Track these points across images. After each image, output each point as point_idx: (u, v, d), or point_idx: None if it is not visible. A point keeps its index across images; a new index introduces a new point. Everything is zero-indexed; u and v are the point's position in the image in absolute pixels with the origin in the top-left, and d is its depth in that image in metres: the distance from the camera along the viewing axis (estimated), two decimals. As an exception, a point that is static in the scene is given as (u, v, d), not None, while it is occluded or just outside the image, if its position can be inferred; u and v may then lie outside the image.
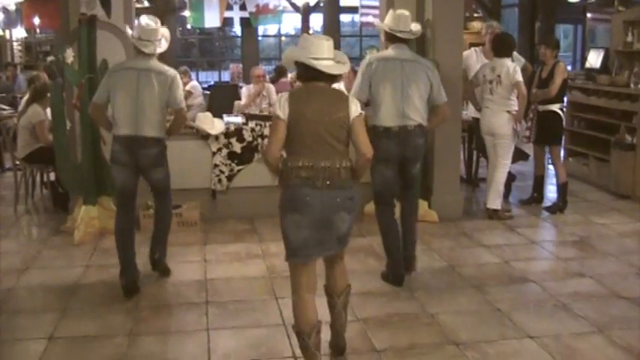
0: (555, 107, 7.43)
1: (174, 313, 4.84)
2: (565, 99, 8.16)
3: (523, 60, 7.77)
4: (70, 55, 6.40)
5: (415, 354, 4.17)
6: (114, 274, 5.50)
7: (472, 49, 8.16)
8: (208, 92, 10.28)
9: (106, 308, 4.92)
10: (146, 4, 17.37)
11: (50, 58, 15.07)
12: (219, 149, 7.09)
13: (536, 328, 4.51)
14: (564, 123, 7.85)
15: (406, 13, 5.41)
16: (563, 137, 8.36)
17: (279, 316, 4.72)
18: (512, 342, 4.34)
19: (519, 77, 6.91)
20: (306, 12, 17.32)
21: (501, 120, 7.01)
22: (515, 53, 7.39)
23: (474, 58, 7.86)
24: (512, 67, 6.95)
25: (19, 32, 19.13)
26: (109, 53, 6.41)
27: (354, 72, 9.03)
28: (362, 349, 4.23)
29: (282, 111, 3.70)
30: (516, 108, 6.97)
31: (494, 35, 7.43)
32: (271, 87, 9.18)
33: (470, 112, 8.13)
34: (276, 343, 4.36)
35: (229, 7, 18.24)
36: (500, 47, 7.08)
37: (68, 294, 5.17)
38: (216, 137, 7.08)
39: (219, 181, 7.12)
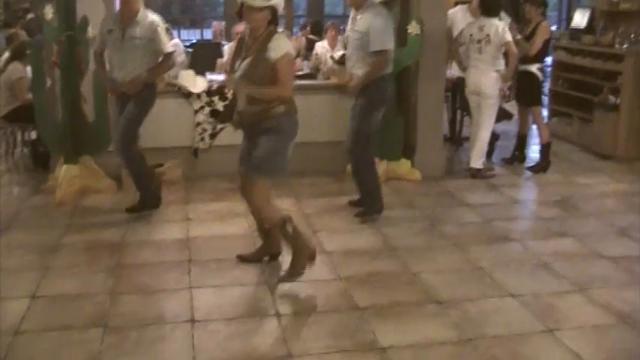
0: (533, 68, 7.40)
1: (156, 271, 4.84)
2: (547, 59, 8.14)
3: (509, 19, 7.72)
4: (49, 11, 6.30)
5: (397, 312, 4.20)
6: (95, 233, 5.51)
7: (458, 6, 8.10)
8: (190, 50, 10.15)
9: (88, 267, 4.91)
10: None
11: (29, 16, 14.86)
12: (202, 107, 7.03)
13: (516, 287, 4.55)
14: (544, 84, 7.84)
15: None
16: (547, 97, 8.36)
17: (260, 275, 4.73)
18: (494, 300, 4.37)
19: (509, 37, 6.87)
20: (289, -31, 17.11)
21: (489, 79, 7.00)
22: (501, 12, 7.34)
23: (460, 16, 7.80)
24: (502, 26, 6.91)
25: (-4, -12, 18.77)
26: (89, 10, 6.31)
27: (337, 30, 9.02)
28: (343, 307, 4.25)
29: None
30: (504, 67, 6.95)
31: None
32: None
33: (454, 70, 8.09)
34: (258, 301, 4.38)
35: (212, -36, 17.97)
36: (490, 6, 7.02)
37: (49, 253, 5.15)
38: (199, 95, 7.02)
39: (202, 139, 7.08)
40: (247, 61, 4.32)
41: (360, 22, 5.68)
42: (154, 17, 5.68)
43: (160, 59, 5.75)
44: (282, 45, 4.33)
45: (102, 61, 5.86)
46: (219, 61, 9.08)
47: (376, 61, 5.66)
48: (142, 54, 5.62)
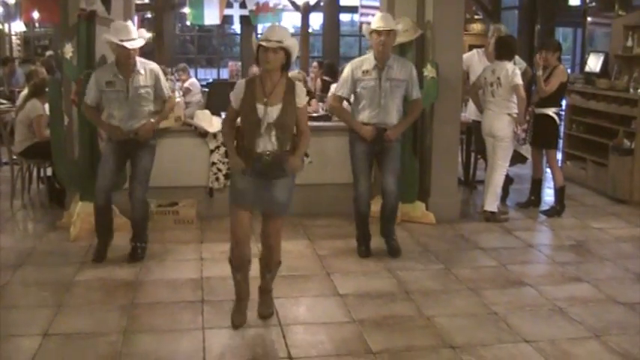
0: (551, 111, 7.42)
1: (170, 311, 4.82)
2: (563, 103, 8.15)
3: (524, 64, 7.76)
4: (69, 50, 6.39)
5: (411, 357, 4.16)
6: (109, 271, 5.51)
7: (474, 50, 8.17)
8: (207, 90, 10.24)
9: (101, 305, 4.90)
10: (146, 0, 17.33)
11: (49, 53, 15.07)
12: (217, 147, 7.06)
13: (532, 333, 4.50)
14: (561, 127, 7.84)
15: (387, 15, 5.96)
16: (561, 141, 8.35)
17: (274, 316, 4.70)
18: (508, 346, 4.32)
19: (519, 80, 6.90)
20: (305, 11, 17.28)
21: (502, 122, 7.01)
22: (516, 57, 7.38)
23: (476, 60, 7.86)
24: (512, 69, 6.94)
25: (17, 26, 19.07)
26: (107, 49, 6.37)
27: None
28: (358, 351, 4.21)
29: None
30: (517, 111, 6.97)
31: (497, 38, 7.42)
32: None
33: (469, 113, 8.12)
34: (271, 343, 4.35)
35: (229, 5, 18.19)
36: (502, 50, 7.08)
37: (63, 290, 5.14)
38: (214, 135, 7.06)
39: (217, 179, 7.11)
40: (277, 108, 4.37)
41: (396, 70, 5.80)
42: (151, 64, 5.77)
43: (166, 103, 5.87)
44: (304, 91, 4.53)
45: (98, 114, 5.78)
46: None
47: (417, 107, 6.02)
48: (148, 102, 5.69)
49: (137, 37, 5.58)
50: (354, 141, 5.91)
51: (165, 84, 5.84)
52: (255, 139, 4.37)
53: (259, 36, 4.37)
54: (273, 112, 4.36)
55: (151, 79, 5.68)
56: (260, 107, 4.35)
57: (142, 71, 5.63)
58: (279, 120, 4.37)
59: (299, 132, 4.56)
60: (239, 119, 4.54)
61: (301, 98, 4.47)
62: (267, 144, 4.38)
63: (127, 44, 5.45)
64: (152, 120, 5.69)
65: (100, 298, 5.05)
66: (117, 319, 4.64)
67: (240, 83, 4.50)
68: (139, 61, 5.66)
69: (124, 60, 5.54)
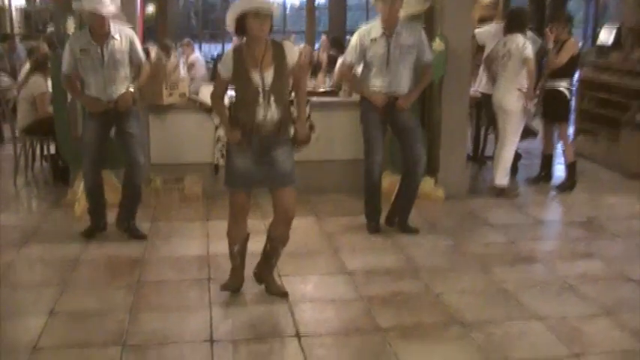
0: (562, 86, 7.38)
1: (176, 289, 4.86)
2: (575, 76, 8.11)
3: (540, 41, 7.70)
4: (71, 25, 6.36)
5: (420, 334, 4.19)
6: (115, 249, 5.54)
7: (491, 24, 8.08)
8: (211, 64, 10.24)
9: (107, 283, 4.95)
10: (149, -27, 17.23)
11: (50, 29, 15.02)
12: (223, 123, 7.06)
13: (542, 310, 4.51)
14: (572, 101, 7.81)
15: None
16: (573, 115, 8.32)
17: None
18: (519, 323, 4.34)
19: (529, 53, 6.87)
20: (311, -17, 17.18)
21: (512, 97, 6.99)
22: (531, 34, 7.34)
23: (493, 33, 7.80)
24: (522, 42, 6.91)
25: (17, 0, 18.99)
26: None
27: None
28: (366, 328, 4.24)
29: None
30: (527, 85, 6.94)
31: (508, 10, 7.38)
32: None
33: (479, 86, 8.09)
34: (279, 320, 4.38)
35: (233, -22, 18.09)
36: (513, 22, 7.05)
37: (69, 269, 5.18)
38: (220, 111, 7.05)
39: (222, 155, 7.10)
40: (270, 73, 4.32)
41: (405, 36, 5.72)
42: (125, 29, 5.67)
43: (143, 68, 5.81)
44: (294, 49, 4.50)
45: (74, 84, 5.74)
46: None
47: (428, 72, 5.93)
48: (124, 67, 5.61)
49: (110, 3, 5.47)
50: (366, 110, 5.85)
51: (139, 48, 5.76)
52: (255, 108, 4.32)
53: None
54: (268, 77, 4.31)
55: (126, 43, 5.59)
56: (255, 75, 4.29)
57: (117, 36, 5.54)
58: (275, 84, 4.32)
59: (297, 89, 4.56)
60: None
61: (292, 56, 4.40)
62: (267, 112, 4.34)
63: (100, 10, 5.35)
64: (131, 89, 5.61)
65: (106, 276, 5.09)
66: (123, 297, 4.67)
67: (228, 53, 4.42)
68: (114, 26, 5.55)
69: (98, 28, 5.45)
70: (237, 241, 4.67)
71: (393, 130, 5.93)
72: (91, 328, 4.23)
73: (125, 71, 5.61)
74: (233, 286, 4.71)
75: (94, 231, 5.88)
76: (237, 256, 4.71)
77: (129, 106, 5.61)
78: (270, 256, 4.72)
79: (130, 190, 5.83)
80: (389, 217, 6.14)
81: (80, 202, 6.36)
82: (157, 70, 6.48)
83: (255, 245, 4.75)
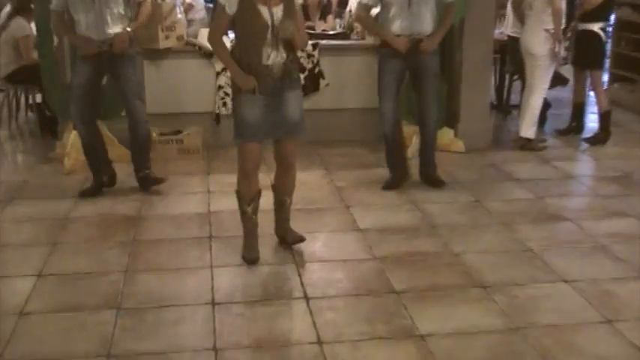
0: (596, 27, 7.29)
1: (175, 248, 4.89)
2: (611, 17, 8.01)
3: None
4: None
5: (437, 296, 4.20)
6: (108, 206, 5.57)
7: None
8: (211, 5, 10.13)
9: (100, 243, 4.97)
10: None
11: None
12: (224, 69, 7.03)
13: (570, 271, 4.51)
14: (607, 45, 7.72)
15: None
16: (607, 60, 8.23)
17: (288, 253, 4.76)
18: (545, 285, 4.35)
19: None
20: None
21: (538, 38, 6.92)
22: None
23: None
24: (550, -23, 6.82)
25: None
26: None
27: None
28: (379, 290, 4.26)
29: None
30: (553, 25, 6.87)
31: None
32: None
33: (506, 29, 8.00)
34: (285, 281, 4.41)
35: None
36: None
37: (58, 227, 5.21)
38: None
39: (224, 104, 7.09)
40: (280, 8, 4.28)
41: None
42: None
43: (141, 7, 5.77)
44: None
45: (65, 22, 5.66)
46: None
47: (450, 12, 5.85)
48: (118, 4, 5.53)
49: None
50: (385, 56, 5.81)
51: None
52: (262, 49, 4.29)
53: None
54: (278, 13, 4.28)
55: None
56: (264, 9, 4.25)
57: None
58: (285, 22, 4.28)
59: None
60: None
61: None
62: (275, 52, 4.31)
63: None
64: (128, 29, 5.58)
65: (99, 235, 5.11)
66: (117, 257, 4.71)
67: None
68: None
69: None
70: (251, 198, 4.64)
71: (411, 76, 5.91)
72: (83, 291, 4.26)
73: (119, 9, 5.54)
74: (250, 257, 4.65)
75: (97, 189, 5.88)
76: (252, 216, 4.68)
77: (125, 47, 5.56)
78: (278, 208, 4.78)
79: (136, 140, 5.86)
80: (420, 172, 6.18)
81: (70, 156, 6.37)
82: (152, 10, 6.43)
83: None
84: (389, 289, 4.28)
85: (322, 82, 7.19)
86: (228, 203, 5.53)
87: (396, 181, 6.03)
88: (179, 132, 6.88)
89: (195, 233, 5.12)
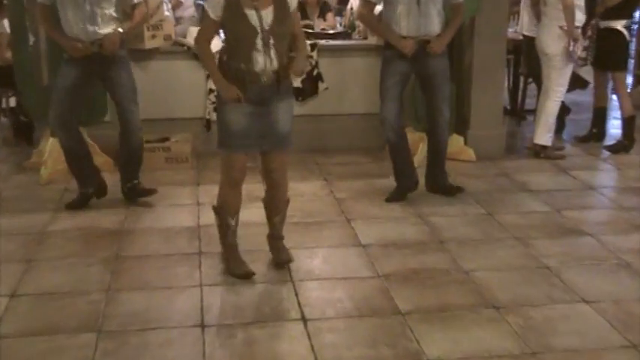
0: (619, 25, 7.31)
1: (162, 265, 4.88)
2: (636, 14, 8.03)
3: None
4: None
5: (446, 317, 4.20)
6: (89, 219, 5.57)
7: None
8: (202, 2, 10.17)
9: (80, 259, 4.97)
10: None
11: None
12: (214, 72, 7.04)
13: (591, 291, 4.51)
14: (631, 44, 7.73)
15: None
16: (631, 61, 8.24)
17: (284, 271, 4.76)
18: (563, 306, 4.34)
19: None
20: None
21: (551, 36, 6.94)
22: None
23: None
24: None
25: None
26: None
27: None
28: (383, 311, 4.26)
29: None
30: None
31: None
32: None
33: (521, 28, 8.01)
34: (281, 302, 4.40)
35: None
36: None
37: (34, 242, 5.21)
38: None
39: (216, 109, 7.07)
40: (269, 11, 4.28)
41: None
42: None
43: (136, 9, 5.79)
44: None
45: (52, 18, 5.65)
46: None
47: (459, 11, 5.88)
48: (110, 4, 5.55)
49: None
50: (390, 58, 5.81)
51: None
52: (251, 55, 4.30)
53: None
54: (267, 16, 4.29)
55: None
56: (251, 13, 4.26)
57: None
58: (275, 26, 4.29)
59: (294, 37, 4.50)
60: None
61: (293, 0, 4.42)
62: (265, 59, 4.31)
63: None
64: (120, 29, 5.59)
65: (79, 251, 5.11)
66: (99, 274, 4.70)
67: None
68: None
69: None
70: (234, 212, 4.68)
71: (419, 79, 5.93)
72: (61, 312, 4.24)
73: (110, 11, 5.55)
74: (242, 273, 4.67)
75: (83, 201, 5.87)
76: (234, 231, 4.72)
77: (115, 49, 5.57)
78: (269, 227, 4.82)
79: (128, 148, 5.86)
80: (427, 182, 6.20)
81: (47, 165, 6.37)
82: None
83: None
84: (393, 309, 4.28)
85: (321, 86, 7.20)
86: (219, 216, 5.56)
87: (401, 192, 6.03)
88: (166, 139, 6.89)
89: (183, 249, 5.12)
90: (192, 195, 6.16)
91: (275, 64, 4.35)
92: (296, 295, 4.45)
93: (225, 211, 4.66)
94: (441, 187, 6.14)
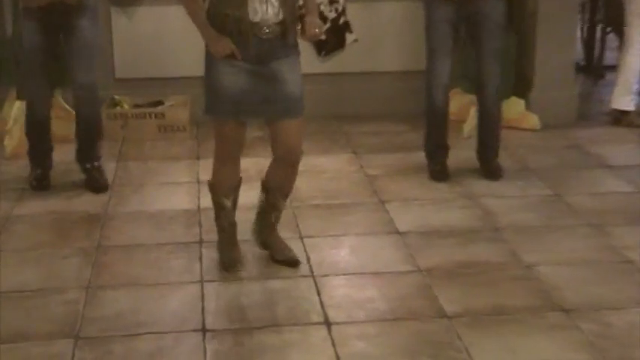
0: None
1: (153, 257, 4.90)
2: None
3: None
4: None
5: (501, 322, 4.18)
6: (65, 202, 5.60)
7: None
8: None
9: (53, 250, 4.99)
10: None
11: None
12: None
13: (684, 290, 4.49)
14: None
15: None
16: None
17: (305, 265, 4.75)
18: (649, 309, 4.33)
19: None
20: None
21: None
22: None
23: None
24: None
25: None
26: None
27: None
28: (424, 313, 4.25)
29: None
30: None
31: None
32: None
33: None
34: (299, 302, 4.39)
35: None
36: None
37: (-2, 229, 5.25)
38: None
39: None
40: None
41: None
42: None
43: None
44: None
45: None
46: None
47: None
48: None
49: None
50: (434, 2, 5.80)
51: None
52: (247, 2, 4.25)
53: None
54: None
55: None
56: None
57: None
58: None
59: None
60: None
61: None
62: (265, 7, 4.26)
63: None
64: None
65: (52, 240, 5.14)
66: (76, 268, 4.72)
67: None
68: None
69: None
70: (229, 191, 4.69)
71: (469, 26, 5.89)
72: (30, 315, 4.26)
73: None
74: (230, 261, 4.71)
75: (45, 178, 5.89)
76: (229, 213, 4.73)
77: None
78: (266, 212, 4.76)
79: (82, 120, 5.86)
80: (479, 156, 6.20)
81: (13, 135, 6.38)
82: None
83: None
84: (437, 311, 4.27)
85: (349, 37, 7.18)
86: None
87: (445, 168, 6.03)
88: (160, 103, 6.90)
89: (180, 237, 5.15)
90: (191, 171, 6.18)
91: (277, 12, 4.28)
92: (318, 293, 4.45)
93: (219, 190, 4.68)
94: (485, 163, 6.12)
